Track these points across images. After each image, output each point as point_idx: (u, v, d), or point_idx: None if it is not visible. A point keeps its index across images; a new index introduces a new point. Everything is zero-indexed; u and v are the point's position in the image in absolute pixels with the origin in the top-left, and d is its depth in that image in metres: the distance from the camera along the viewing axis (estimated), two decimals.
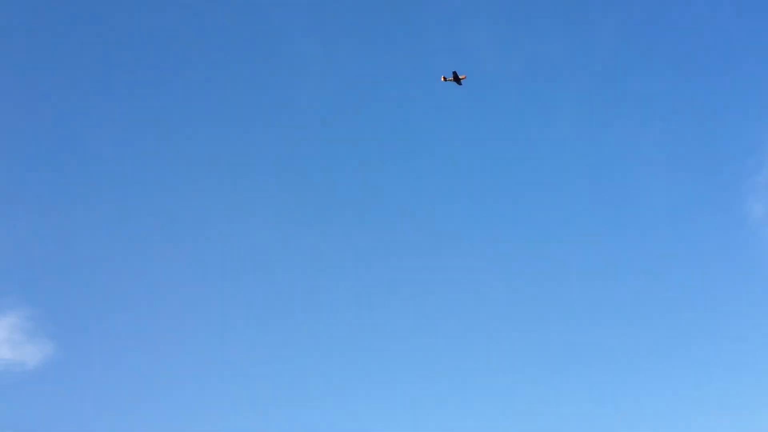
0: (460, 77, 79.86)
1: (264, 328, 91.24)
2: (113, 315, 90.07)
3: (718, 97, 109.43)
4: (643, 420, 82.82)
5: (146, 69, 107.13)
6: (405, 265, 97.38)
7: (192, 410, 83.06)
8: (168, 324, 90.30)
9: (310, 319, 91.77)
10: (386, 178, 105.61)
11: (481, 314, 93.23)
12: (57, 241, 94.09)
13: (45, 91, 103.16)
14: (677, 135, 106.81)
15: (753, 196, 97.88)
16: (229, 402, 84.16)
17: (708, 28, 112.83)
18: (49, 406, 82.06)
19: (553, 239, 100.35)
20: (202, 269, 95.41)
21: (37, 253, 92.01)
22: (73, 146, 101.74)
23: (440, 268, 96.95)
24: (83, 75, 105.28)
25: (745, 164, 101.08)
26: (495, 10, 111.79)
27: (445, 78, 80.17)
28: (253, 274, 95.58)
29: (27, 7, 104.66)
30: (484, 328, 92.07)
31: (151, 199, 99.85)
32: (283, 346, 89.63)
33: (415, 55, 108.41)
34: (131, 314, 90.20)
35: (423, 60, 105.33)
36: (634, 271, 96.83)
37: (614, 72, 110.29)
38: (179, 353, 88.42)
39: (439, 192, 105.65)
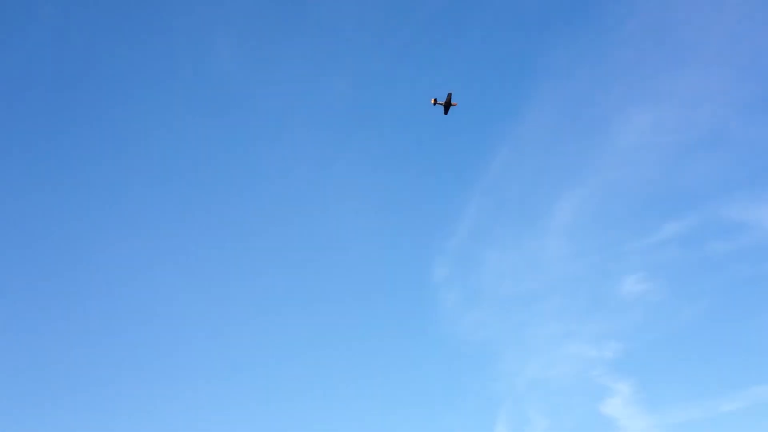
0: (452, 104, 74.56)
1: None
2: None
3: (420, 167, 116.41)
4: None
5: None
6: None
7: None
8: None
9: None
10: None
11: None
12: None
13: None
14: (380, 193, 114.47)
15: (438, 260, 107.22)
16: None
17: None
18: None
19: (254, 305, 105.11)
20: None
21: None
22: None
23: None
24: None
25: (437, 230, 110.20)
26: (246, 24, 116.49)
27: (435, 101, 74.94)
28: None
29: None
30: None
31: None
32: None
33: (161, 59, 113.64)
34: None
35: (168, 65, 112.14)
36: (321, 329, 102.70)
37: (347, 111, 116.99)
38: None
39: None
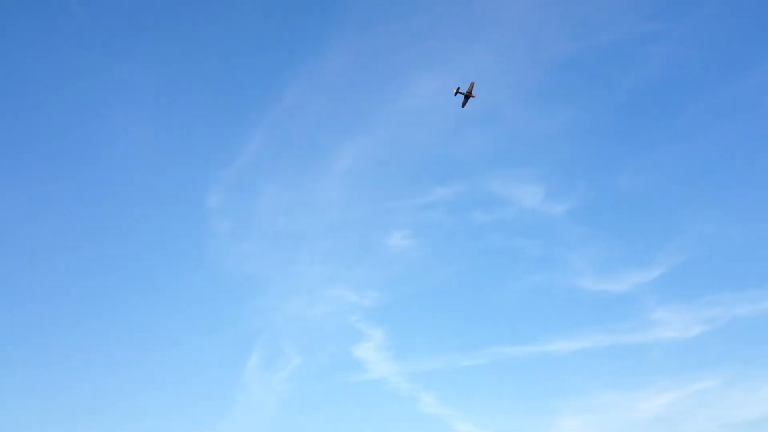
0: (472, 96, 77.64)
1: None
2: None
3: (208, 88, 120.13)
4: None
5: None
6: None
7: None
8: None
9: None
10: None
11: None
12: None
13: None
14: (161, 106, 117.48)
15: (214, 188, 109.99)
16: None
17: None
18: None
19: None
20: None
21: None
22: None
23: None
24: None
25: (216, 156, 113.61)
26: None
27: (458, 91, 77.57)
28: None
29: None
30: None
31: None
32: None
33: None
34: None
35: None
36: (81, 241, 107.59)
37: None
38: None
39: None
